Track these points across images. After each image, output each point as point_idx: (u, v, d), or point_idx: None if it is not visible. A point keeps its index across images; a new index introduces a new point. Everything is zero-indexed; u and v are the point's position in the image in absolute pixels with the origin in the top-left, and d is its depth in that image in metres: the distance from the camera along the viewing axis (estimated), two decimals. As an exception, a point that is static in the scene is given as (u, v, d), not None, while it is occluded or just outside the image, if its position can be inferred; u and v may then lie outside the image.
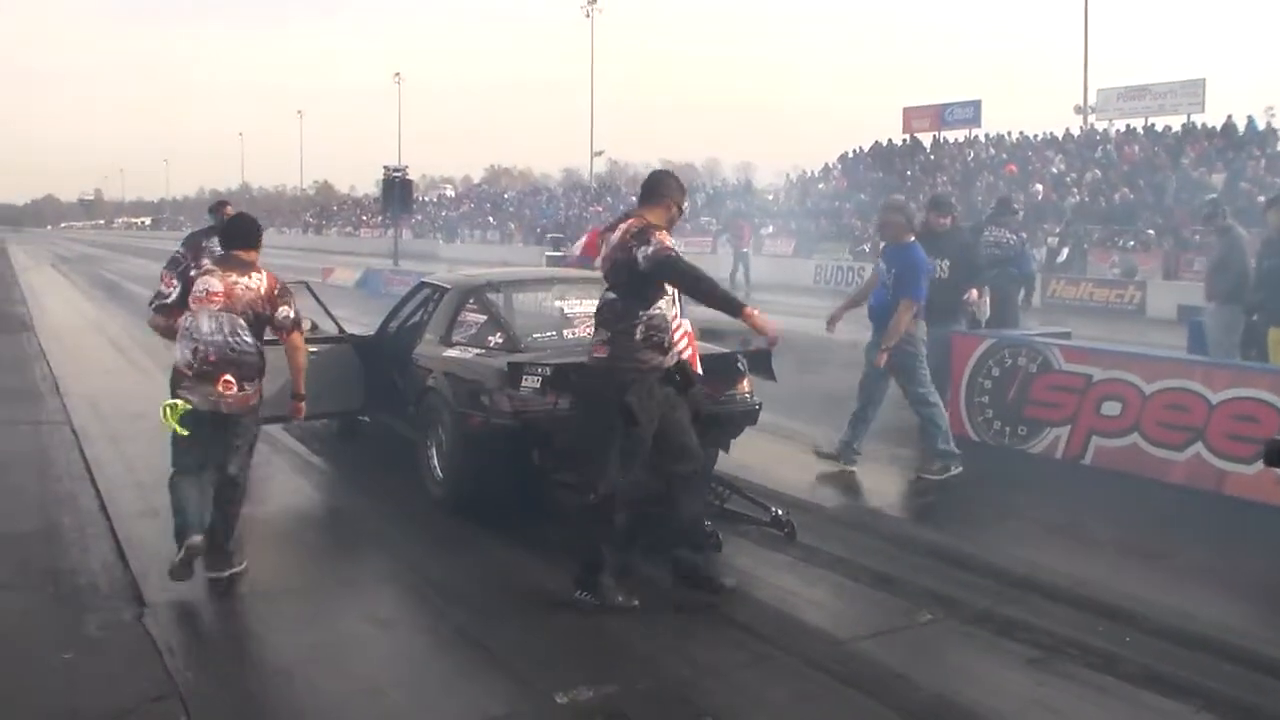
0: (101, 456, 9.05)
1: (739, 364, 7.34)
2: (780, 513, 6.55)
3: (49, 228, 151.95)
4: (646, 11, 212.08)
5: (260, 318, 6.05)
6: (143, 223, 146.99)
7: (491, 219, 65.78)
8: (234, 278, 6.04)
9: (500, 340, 7.37)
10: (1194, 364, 8.07)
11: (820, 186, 46.70)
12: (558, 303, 7.95)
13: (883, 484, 8.34)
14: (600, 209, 56.98)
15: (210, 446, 6.06)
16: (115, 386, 12.91)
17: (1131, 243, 28.62)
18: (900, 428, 9.04)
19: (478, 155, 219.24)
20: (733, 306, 5.56)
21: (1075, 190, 33.68)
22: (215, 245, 10.49)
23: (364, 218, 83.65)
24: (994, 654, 5.15)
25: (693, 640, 5.30)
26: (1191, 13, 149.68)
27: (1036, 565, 6.30)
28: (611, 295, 5.68)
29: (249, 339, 6.01)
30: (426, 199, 79.49)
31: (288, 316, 6.12)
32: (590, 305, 7.76)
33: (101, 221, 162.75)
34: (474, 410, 6.99)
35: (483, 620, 5.48)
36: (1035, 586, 5.94)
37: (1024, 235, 12.55)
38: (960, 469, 8.32)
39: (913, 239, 8.48)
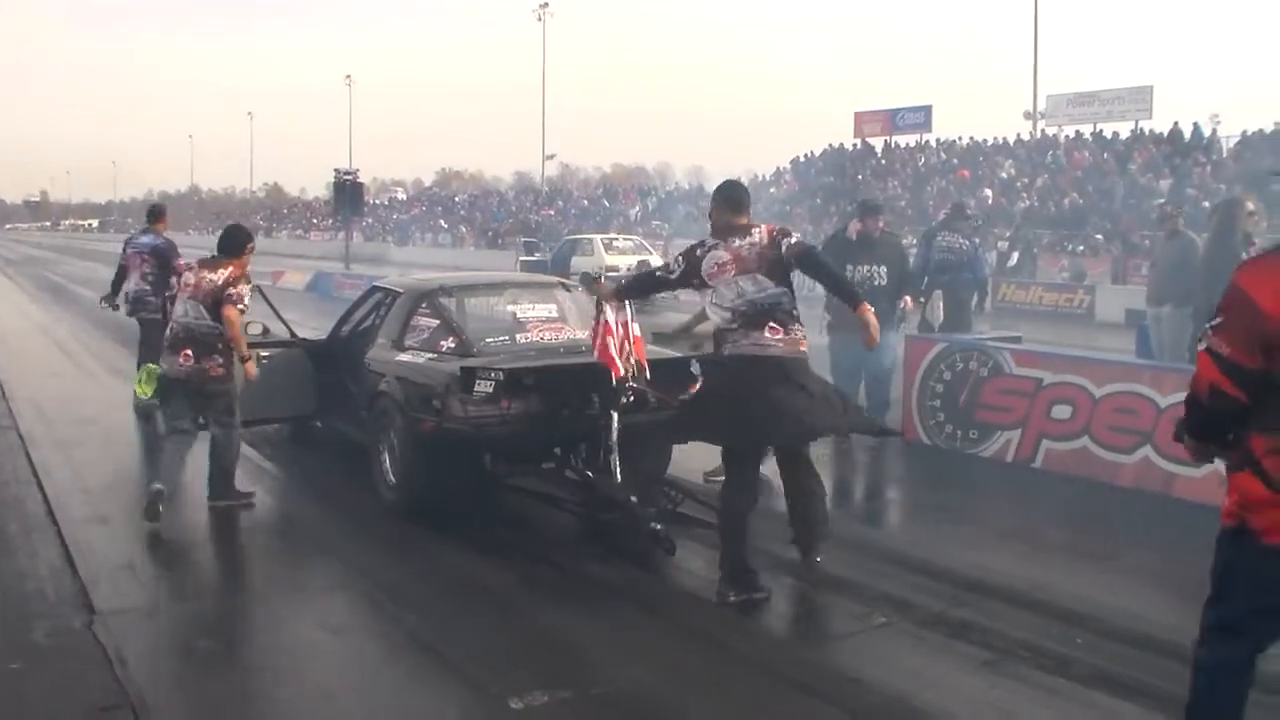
0: (49, 462, 8.91)
1: (692, 369, 7.35)
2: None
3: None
4: (597, 14, 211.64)
5: (218, 301, 7.32)
6: (90, 225, 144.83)
7: (443, 222, 65.50)
8: (205, 273, 7.47)
9: (453, 345, 7.33)
10: (1142, 368, 8.16)
11: (771, 190, 46.87)
12: (510, 307, 7.94)
13: (829, 488, 8.33)
14: (552, 212, 56.94)
15: (186, 410, 7.50)
16: (62, 391, 12.75)
17: (1080, 247, 28.95)
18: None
19: (428, 158, 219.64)
20: (855, 298, 6.06)
21: (1025, 195, 34.04)
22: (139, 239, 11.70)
23: (314, 220, 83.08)
24: (947, 657, 5.16)
25: (647, 645, 5.30)
26: (1139, 21, 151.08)
27: (989, 569, 6.33)
28: (777, 291, 5.89)
29: (207, 321, 7.33)
30: (377, 202, 79.05)
31: (230, 293, 7.32)
32: (543, 309, 7.81)
33: (47, 224, 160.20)
34: (426, 415, 6.94)
35: (436, 625, 5.45)
36: (988, 590, 5.97)
37: (977, 240, 12.66)
38: None
39: None
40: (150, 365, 7.78)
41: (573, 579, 6.18)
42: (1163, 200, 14.55)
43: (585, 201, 59.10)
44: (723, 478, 6.19)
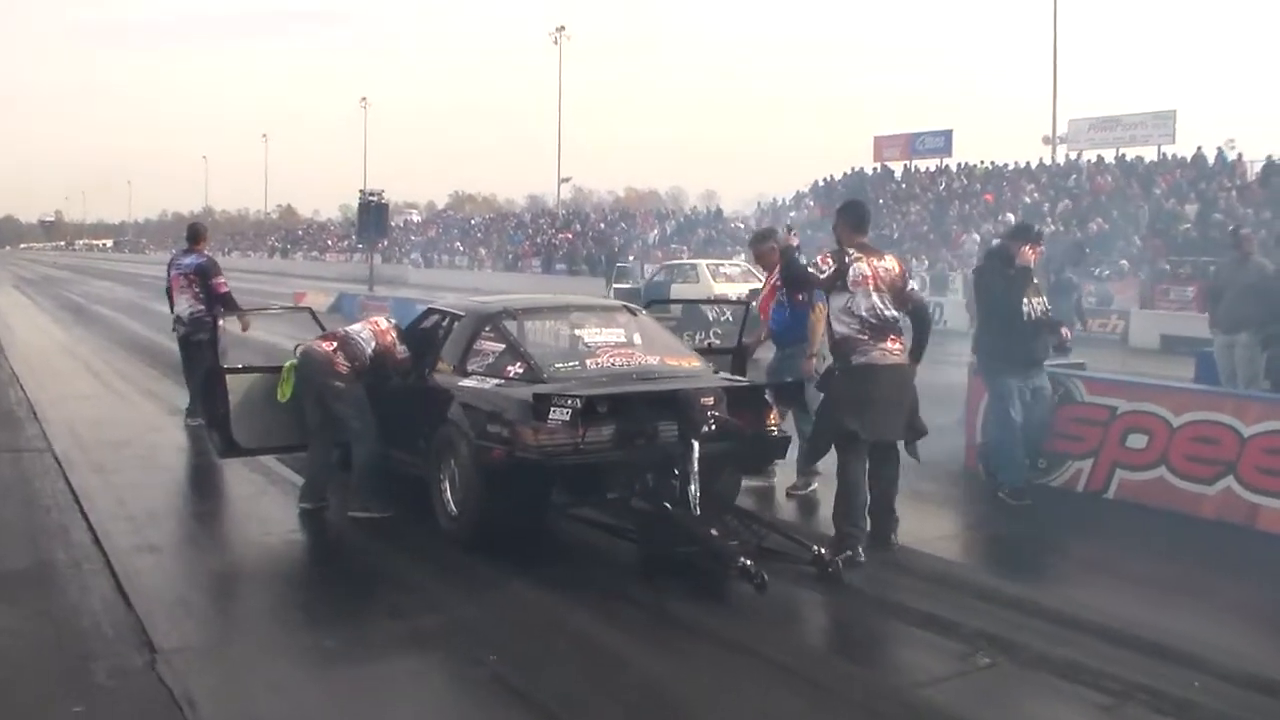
0: (88, 486, 8.65)
1: (766, 396, 7.14)
2: (822, 551, 6.28)
3: (7, 249, 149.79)
4: (610, 38, 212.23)
5: None
6: (104, 245, 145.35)
7: (460, 245, 65.45)
8: None
9: (521, 370, 7.07)
10: (1224, 396, 7.91)
11: (792, 215, 46.66)
12: (576, 331, 7.69)
13: (902, 520, 8.07)
14: (569, 236, 56.81)
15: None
16: (94, 413, 12.49)
17: (1107, 272, 28.68)
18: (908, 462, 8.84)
19: (441, 180, 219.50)
20: (918, 357, 7.14)
21: (1049, 220, 33.78)
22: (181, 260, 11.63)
23: (329, 242, 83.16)
24: (1064, 700, 4.90)
25: (744, 684, 5.03)
26: (1159, 47, 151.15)
27: (1083, 604, 6.07)
28: (898, 312, 7.01)
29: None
30: (393, 224, 79.07)
31: None
32: (609, 334, 7.57)
33: (62, 243, 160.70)
34: (495, 443, 6.70)
35: (520, 667, 5.16)
36: (1087, 627, 5.70)
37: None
38: (815, 487, 8.35)
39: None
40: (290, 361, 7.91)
41: (655, 617, 5.90)
42: (1239, 226, 14.23)
43: (602, 225, 58.95)
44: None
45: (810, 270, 7.11)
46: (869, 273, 6.91)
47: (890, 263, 7.10)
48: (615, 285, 29.53)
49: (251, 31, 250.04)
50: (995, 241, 8.56)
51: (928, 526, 8.22)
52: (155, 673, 5.07)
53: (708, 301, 18.62)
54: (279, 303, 27.03)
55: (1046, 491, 8.59)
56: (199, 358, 11.14)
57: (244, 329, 11.67)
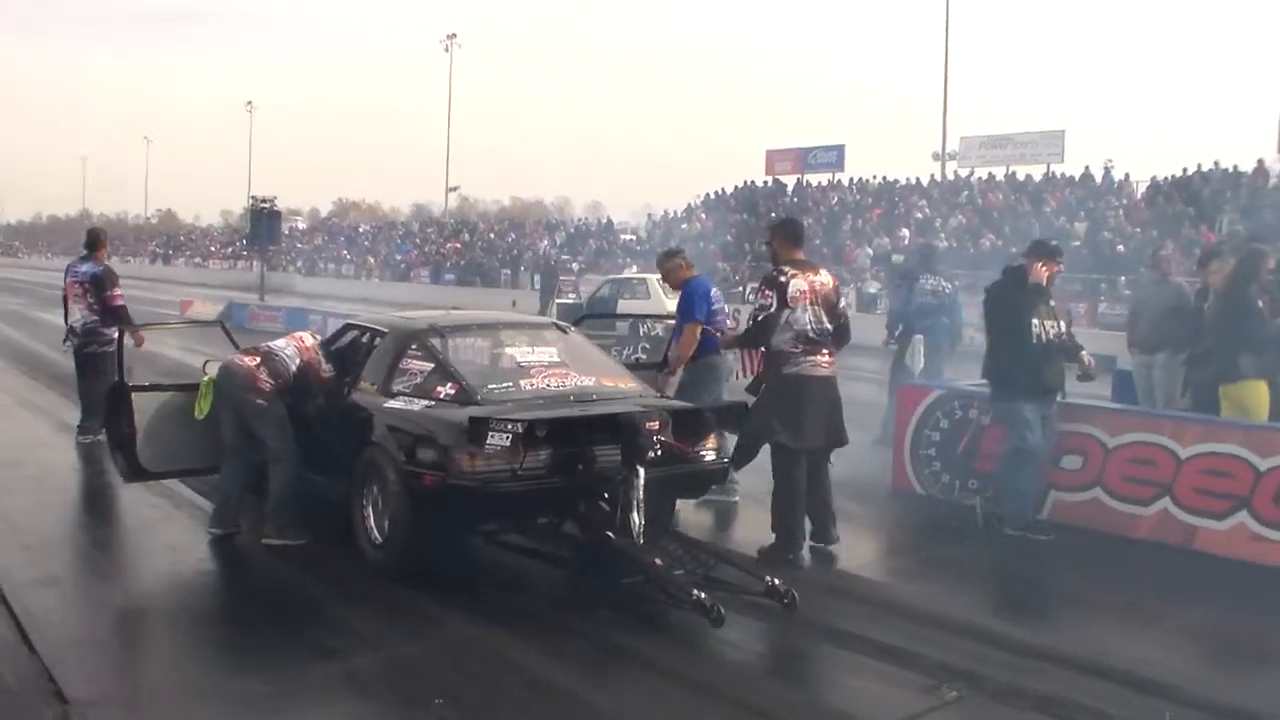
0: (-26, 513, 8.05)
1: (709, 419, 6.90)
2: (776, 582, 6.03)
3: None
4: (493, 46, 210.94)
5: None
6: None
7: (346, 253, 64.26)
8: None
9: (452, 391, 6.71)
10: (1162, 418, 7.88)
11: (684, 227, 46.72)
12: (508, 350, 7.36)
13: (839, 543, 7.92)
14: (458, 245, 56.13)
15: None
16: (-24, 431, 11.76)
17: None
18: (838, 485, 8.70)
19: (324, 187, 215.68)
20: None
21: (942, 236, 34.24)
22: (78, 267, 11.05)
23: (212, 248, 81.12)
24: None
25: (709, 728, 4.78)
26: (1046, 68, 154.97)
27: (1041, 631, 6.00)
28: (829, 326, 7.30)
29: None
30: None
31: None
32: (541, 353, 7.27)
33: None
34: (426, 469, 6.35)
35: (472, 712, 4.84)
36: (1049, 655, 5.58)
37: (958, 283, 12.35)
38: (737, 499, 8.37)
39: (693, 274, 8.81)
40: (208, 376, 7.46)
41: (604, 651, 5.60)
42: (1159, 248, 14.41)
43: (491, 235, 58.37)
44: (782, 554, 7.16)
45: (763, 318, 7.22)
46: (805, 288, 7.24)
47: (825, 277, 7.49)
48: (559, 301, 28.25)
49: (131, 33, 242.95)
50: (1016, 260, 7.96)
51: (866, 550, 8.11)
52: (70, 729, 4.63)
53: (639, 317, 18.11)
54: (168, 313, 26.22)
55: (977, 513, 8.49)
56: (93, 371, 10.59)
57: (137, 345, 10.99)
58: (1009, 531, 7.79)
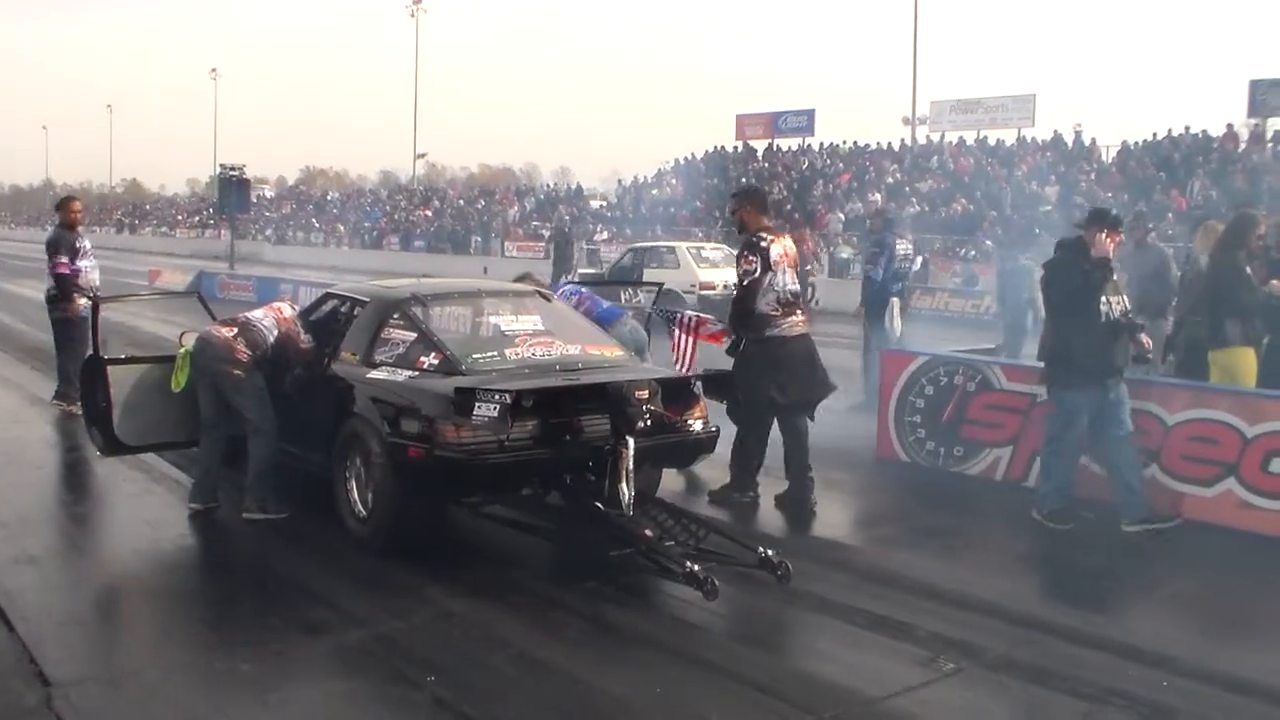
0: (-55, 490, 7.88)
1: (694, 387, 6.81)
2: (769, 553, 5.96)
3: None
4: (459, 10, 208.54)
5: None
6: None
7: (315, 221, 63.70)
8: None
9: (436, 361, 6.59)
10: (1151, 384, 7.84)
11: (654, 192, 46.53)
12: (491, 318, 7.25)
13: (823, 511, 7.86)
14: (428, 213, 55.74)
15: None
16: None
17: (972, 253, 29.13)
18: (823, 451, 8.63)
19: (290, 155, 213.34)
20: None
21: (914, 200, 34.21)
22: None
23: (179, 217, 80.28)
24: (1043, 707, 4.73)
25: (706, 700, 4.70)
26: (1015, 32, 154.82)
27: (1031, 601, 5.97)
28: (798, 289, 7.76)
29: None
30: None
31: None
32: (525, 321, 7.16)
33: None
34: (411, 440, 6.23)
35: (464, 690, 4.73)
36: (1042, 625, 5.57)
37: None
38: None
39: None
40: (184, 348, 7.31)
41: (594, 626, 5.51)
42: (1140, 208, 14.46)
43: (461, 201, 57.97)
44: (732, 493, 7.70)
45: (749, 283, 7.51)
46: (783, 251, 7.65)
47: (789, 243, 7.92)
48: (583, 271, 26.17)
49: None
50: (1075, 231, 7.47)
51: (854, 519, 8.09)
52: (53, 711, 4.51)
53: (627, 284, 17.76)
54: (136, 284, 25.92)
55: (963, 480, 8.50)
56: (62, 338, 10.48)
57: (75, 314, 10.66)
58: (1044, 520, 7.31)
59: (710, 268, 21.37)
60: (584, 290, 9.16)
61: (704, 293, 20.09)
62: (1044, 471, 7.60)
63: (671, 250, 22.77)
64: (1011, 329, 12.11)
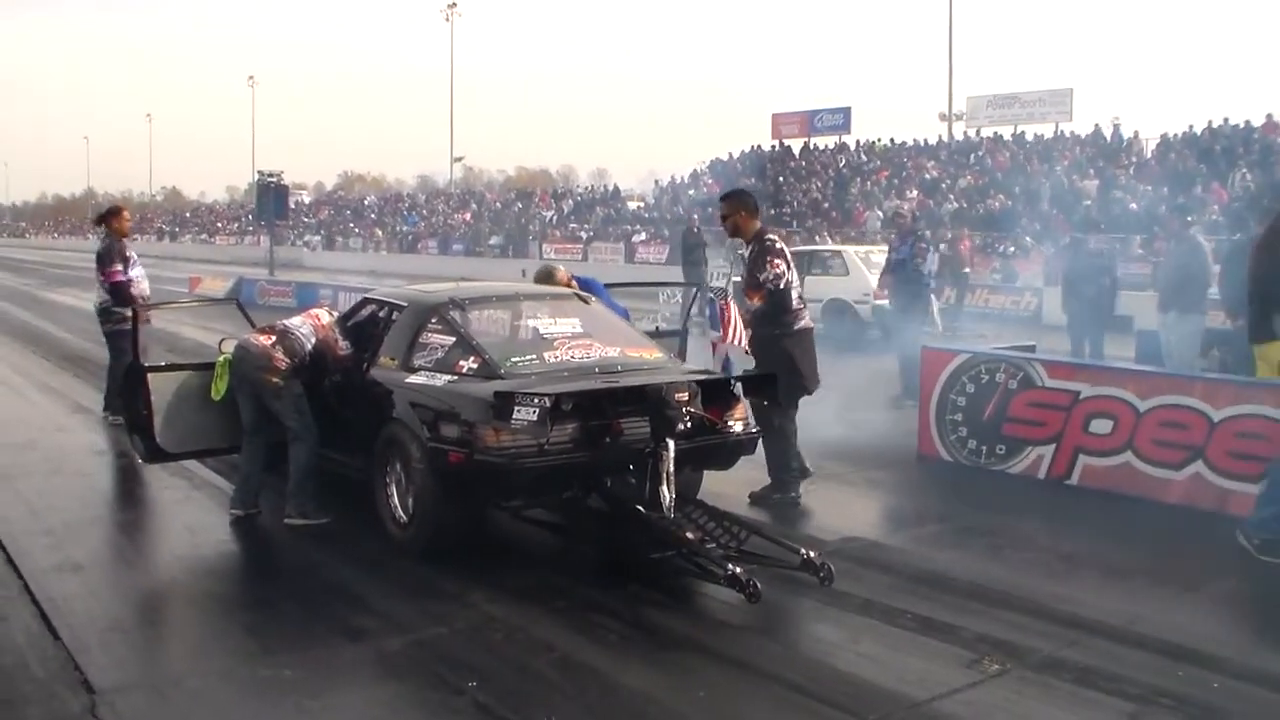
0: (-8, 496, 7.96)
1: (734, 388, 6.77)
2: (812, 555, 5.93)
3: None
4: (497, 15, 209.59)
5: None
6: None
7: (354, 226, 64.09)
8: None
9: (475, 365, 6.59)
10: (1194, 380, 7.74)
11: (691, 193, 46.47)
12: (529, 321, 7.23)
13: (865, 511, 7.81)
14: (467, 216, 55.96)
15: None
16: (-10, 412, 11.67)
17: (1011, 249, 28.90)
18: (844, 447, 8.54)
19: (328, 160, 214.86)
20: None
21: (951, 197, 34.01)
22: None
23: (219, 224, 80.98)
24: (1087, 708, 4.64)
25: (750, 705, 4.68)
26: (1051, 25, 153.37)
27: (1078, 601, 5.84)
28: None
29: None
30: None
31: None
32: (564, 324, 7.13)
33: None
34: (451, 445, 6.23)
35: (507, 696, 4.71)
36: (1088, 626, 5.47)
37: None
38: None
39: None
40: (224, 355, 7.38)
41: (636, 629, 5.49)
42: (1181, 202, 14.39)
43: (499, 204, 58.14)
44: (773, 495, 7.71)
45: (784, 285, 7.64)
46: (790, 251, 7.99)
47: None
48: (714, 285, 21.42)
49: (129, 4, 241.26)
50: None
51: (897, 519, 8.02)
52: (97, 718, 4.53)
53: (656, 285, 17.64)
54: (178, 290, 26.11)
55: (1005, 479, 8.42)
56: (114, 350, 10.49)
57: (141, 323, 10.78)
58: (1246, 543, 6.56)
59: (877, 271, 16.67)
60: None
61: (878, 303, 16.38)
62: (1269, 485, 6.70)
63: (837, 255, 19.43)
64: (1078, 321, 12.07)
